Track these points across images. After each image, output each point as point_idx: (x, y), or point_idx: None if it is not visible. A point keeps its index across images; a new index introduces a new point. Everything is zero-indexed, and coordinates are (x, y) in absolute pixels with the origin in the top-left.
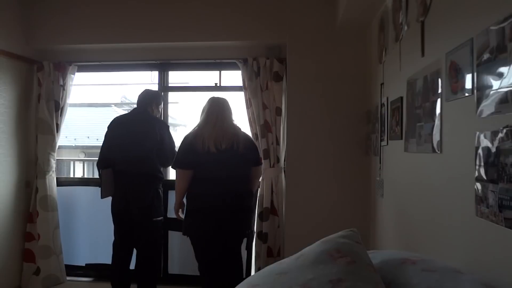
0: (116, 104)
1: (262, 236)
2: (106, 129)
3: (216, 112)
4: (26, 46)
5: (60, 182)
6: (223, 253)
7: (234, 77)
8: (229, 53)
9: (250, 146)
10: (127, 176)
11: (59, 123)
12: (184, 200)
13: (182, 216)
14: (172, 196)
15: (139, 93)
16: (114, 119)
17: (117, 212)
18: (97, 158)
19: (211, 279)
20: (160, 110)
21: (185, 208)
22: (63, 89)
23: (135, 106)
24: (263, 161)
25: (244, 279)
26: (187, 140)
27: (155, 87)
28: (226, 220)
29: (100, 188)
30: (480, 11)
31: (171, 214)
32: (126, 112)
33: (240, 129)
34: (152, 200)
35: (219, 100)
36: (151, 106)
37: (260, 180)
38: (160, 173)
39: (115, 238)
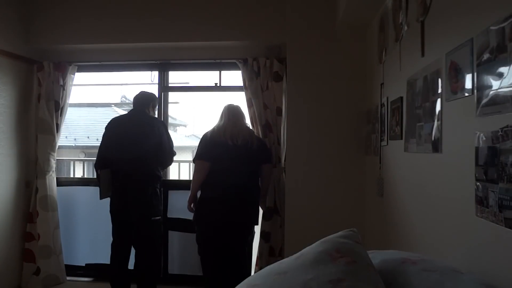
0: (116, 104)
1: (264, 236)
2: (104, 130)
3: (232, 114)
4: (26, 46)
5: (60, 182)
6: (230, 247)
7: (234, 77)
8: (229, 53)
9: (262, 146)
10: (125, 175)
11: (59, 123)
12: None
13: (193, 209)
14: (172, 196)
15: (135, 95)
16: (112, 119)
17: (115, 212)
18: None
19: (215, 276)
20: (156, 112)
21: (197, 198)
22: (63, 89)
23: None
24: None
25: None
26: (206, 136)
27: (155, 87)
28: (235, 210)
29: (99, 189)
30: (480, 11)
31: (171, 214)
32: (125, 112)
33: (253, 131)
34: (151, 199)
35: (234, 106)
36: (148, 107)
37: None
38: (158, 172)
39: (114, 238)
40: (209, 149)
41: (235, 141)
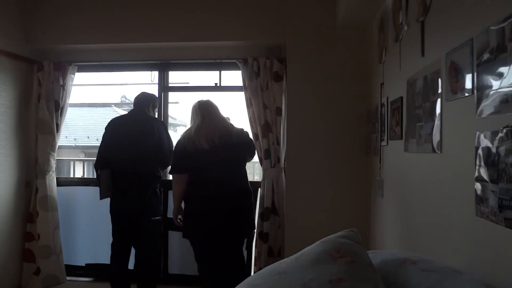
0: (116, 104)
1: (263, 236)
2: (104, 130)
3: (202, 111)
4: (26, 46)
5: (60, 182)
6: (225, 255)
7: (234, 77)
8: (229, 53)
9: (244, 141)
10: (125, 176)
11: (59, 123)
12: (182, 205)
13: (180, 222)
14: (172, 196)
15: (136, 95)
16: (112, 120)
17: (115, 212)
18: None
19: (213, 281)
20: (156, 112)
21: (183, 211)
22: (63, 89)
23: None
24: (264, 160)
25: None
26: (179, 145)
27: (155, 87)
28: (226, 221)
29: (99, 189)
30: (480, 11)
31: (171, 214)
32: (125, 112)
33: (232, 124)
34: (150, 200)
35: (201, 101)
36: (148, 107)
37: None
38: (158, 172)
39: (114, 238)
40: (184, 159)
41: (211, 143)
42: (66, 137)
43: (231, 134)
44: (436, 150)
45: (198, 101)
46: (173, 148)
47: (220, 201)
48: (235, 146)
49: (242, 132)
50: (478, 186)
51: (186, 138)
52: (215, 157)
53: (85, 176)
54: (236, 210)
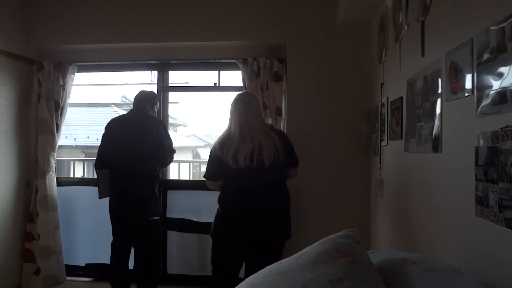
0: (116, 104)
1: None
2: (104, 130)
3: (241, 117)
4: (26, 46)
5: (60, 182)
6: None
7: (234, 77)
8: (229, 53)
9: (288, 149)
10: (124, 175)
11: (59, 123)
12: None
13: None
14: (171, 196)
15: (135, 95)
16: (111, 120)
17: (114, 212)
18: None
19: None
20: (155, 110)
21: (217, 211)
22: (63, 89)
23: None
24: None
25: None
26: (215, 151)
27: (155, 87)
28: (265, 228)
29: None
30: (480, 11)
31: (170, 214)
32: (125, 112)
33: (275, 132)
34: (149, 199)
35: (243, 100)
36: (146, 106)
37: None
38: (156, 172)
39: (113, 238)
40: (218, 168)
41: (253, 162)
42: (66, 137)
43: (278, 151)
44: (436, 150)
45: (238, 97)
46: (172, 145)
47: (259, 207)
48: (281, 159)
49: (285, 141)
50: (478, 186)
51: (221, 147)
52: (255, 169)
53: (85, 176)
54: (272, 215)
